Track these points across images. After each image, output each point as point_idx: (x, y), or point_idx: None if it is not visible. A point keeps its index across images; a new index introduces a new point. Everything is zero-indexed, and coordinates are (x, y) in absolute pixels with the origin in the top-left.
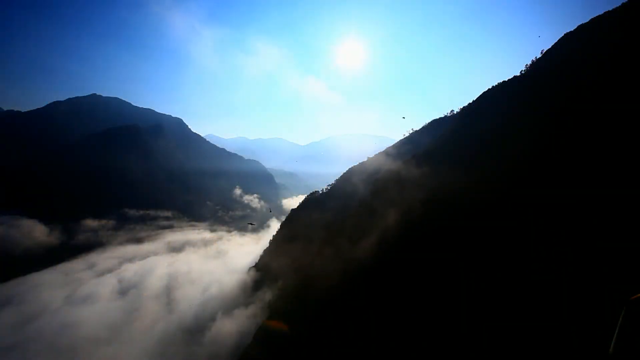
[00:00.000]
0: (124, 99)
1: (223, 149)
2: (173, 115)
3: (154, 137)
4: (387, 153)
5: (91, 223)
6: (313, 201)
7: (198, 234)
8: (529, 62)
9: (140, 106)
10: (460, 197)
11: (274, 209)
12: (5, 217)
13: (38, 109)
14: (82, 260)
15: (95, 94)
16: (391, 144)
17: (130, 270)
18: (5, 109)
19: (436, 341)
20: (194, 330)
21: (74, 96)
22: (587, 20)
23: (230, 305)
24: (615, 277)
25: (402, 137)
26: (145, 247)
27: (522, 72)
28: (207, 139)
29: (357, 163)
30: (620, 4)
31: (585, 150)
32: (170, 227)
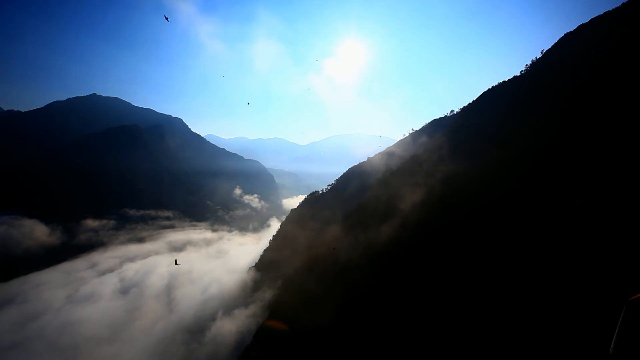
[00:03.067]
0: (124, 99)
1: (223, 149)
2: (173, 115)
3: (154, 137)
4: (386, 153)
5: (92, 223)
6: (313, 201)
7: (199, 233)
8: (529, 62)
9: (140, 106)
10: (460, 196)
11: (275, 209)
12: (5, 217)
13: (38, 109)
14: (84, 260)
15: (95, 94)
16: (392, 144)
17: (131, 270)
18: (5, 109)
19: (436, 341)
20: (194, 330)
21: (74, 96)
22: (587, 20)
23: (230, 305)
24: (615, 277)
25: (402, 137)
26: (146, 246)
27: (522, 72)
28: (207, 139)
29: (358, 163)
30: (620, 4)
31: (585, 150)
32: (171, 227)
